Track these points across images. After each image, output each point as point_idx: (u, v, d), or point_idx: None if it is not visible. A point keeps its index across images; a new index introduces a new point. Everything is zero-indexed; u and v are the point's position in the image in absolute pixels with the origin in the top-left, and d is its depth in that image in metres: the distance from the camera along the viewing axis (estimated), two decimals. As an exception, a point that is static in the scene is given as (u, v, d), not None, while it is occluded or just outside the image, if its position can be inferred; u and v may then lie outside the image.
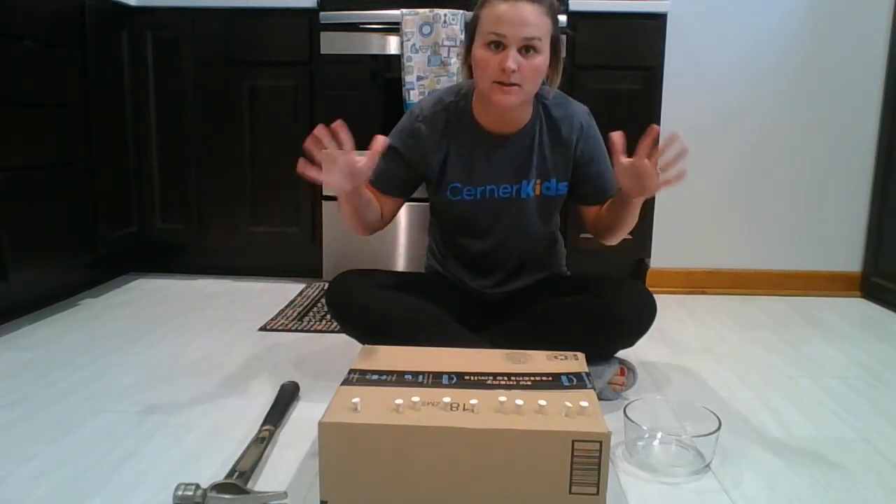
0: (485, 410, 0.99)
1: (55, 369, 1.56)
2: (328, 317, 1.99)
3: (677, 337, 1.92)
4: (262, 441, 1.18)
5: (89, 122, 2.09)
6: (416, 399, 1.00)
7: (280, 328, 1.91)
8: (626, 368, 1.47)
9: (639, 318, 1.39)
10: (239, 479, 1.03)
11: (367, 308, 1.39)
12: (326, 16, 2.19)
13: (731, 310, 2.22)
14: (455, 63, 2.11)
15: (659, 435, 1.24)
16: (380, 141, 1.24)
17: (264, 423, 1.25)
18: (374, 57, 2.21)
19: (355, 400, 0.99)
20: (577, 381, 1.10)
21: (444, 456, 0.95)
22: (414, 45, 2.12)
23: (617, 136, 1.25)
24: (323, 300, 2.14)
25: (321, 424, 0.96)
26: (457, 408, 1.00)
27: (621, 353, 1.49)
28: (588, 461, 0.94)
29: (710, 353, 1.78)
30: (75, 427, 1.28)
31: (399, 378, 1.10)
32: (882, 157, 2.37)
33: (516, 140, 1.45)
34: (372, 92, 2.23)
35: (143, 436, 1.25)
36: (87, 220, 2.10)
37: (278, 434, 1.26)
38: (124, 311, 2.05)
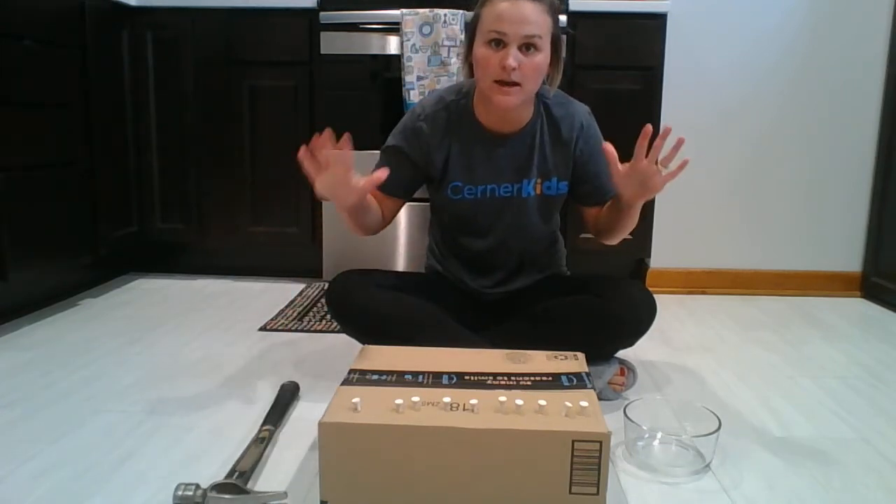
0: (485, 410, 0.99)
1: (55, 369, 1.56)
2: (328, 317, 2.00)
3: (677, 337, 1.92)
4: (262, 441, 1.18)
5: (89, 122, 2.09)
6: (416, 399, 1.00)
7: (280, 328, 1.91)
8: (626, 368, 1.47)
9: (638, 319, 1.39)
10: (239, 479, 1.03)
11: (367, 308, 1.39)
12: (326, 16, 2.19)
13: (731, 310, 2.22)
14: (455, 63, 2.11)
15: (659, 435, 1.24)
16: (382, 171, 1.24)
17: (264, 423, 1.25)
18: (374, 57, 2.21)
19: (355, 400, 0.99)
20: (577, 381, 1.10)
21: (444, 456, 0.95)
22: (414, 45, 2.12)
23: (609, 148, 1.26)
24: (323, 300, 2.14)
25: (321, 424, 0.96)
26: (457, 408, 1.00)
27: (621, 353, 1.49)
28: (588, 461, 0.94)
29: (710, 353, 1.78)
30: (75, 427, 1.28)
31: (399, 378, 1.10)
32: (882, 157, 2.37)
33: (517, 139, 1.45)
34: (372, 92, 2.23)
35: (143, 436, 1.25)
36: (87, 220, 2.10)
37: (278, 434, 1.26)
38: (124, 311, 2.05)
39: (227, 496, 0.98)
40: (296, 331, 1.90)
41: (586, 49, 2.19)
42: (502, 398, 1.00)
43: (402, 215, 2.31)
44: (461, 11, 2.09)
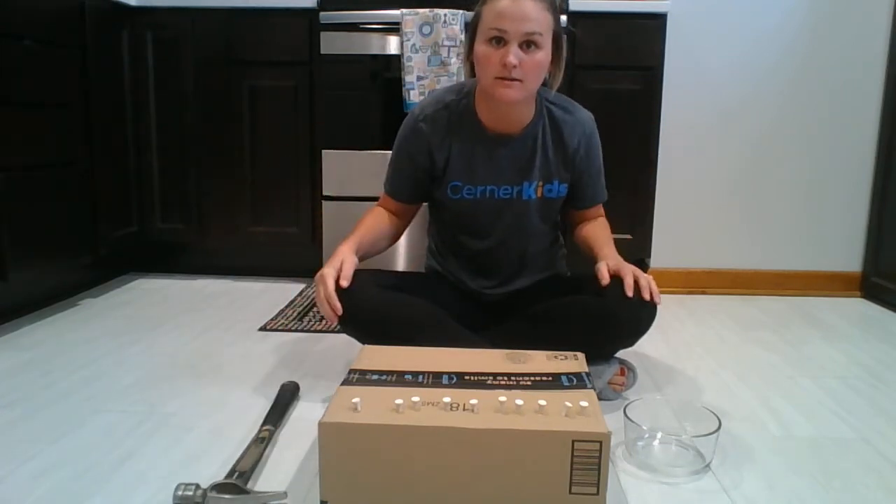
0: (485, 410, 0.99)
1: (55, 369, 1.56)
2: (328, 317, 1.99)
3: (677, 337, 1.92)
4: (262, 441, 1.18)
5: (89, 122, 2.09)
6: (416, 399, 1.00)
7: (280, 328, 1.91)
8: (626, 368, 1.47)
9: (638, 319, 1.39)
10: (239, 479, 1.03)
11: (367, 308, 1.39)
12: (326, 16, 2.19)
13: (731, 310, 2.22)
14: (455, 63, 2.11)
15: (659, 435, 1.24)
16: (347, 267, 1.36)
17: (264, 423, 1.25)
18: (374, 57, 2.21)
19: (355, 400, 0.99)
20: (577, 381, 1.10)
21: (444, 456, 0.95)
22: (414, 45, 2.12)
23: (602, 273, 1.37)
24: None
25: (321, 424, 0.96)
26: (457, 408, 1.00)
27: (621, 353, 1.49)
28: (588, 461, 0.94)
29: (710, 353, 1.78)
30: (75, 427, 1.28)
31: (399, 378, 1.10)
32: (882, 157, 2.37)
33: (519, 140, 1.46)
34: (372, 92, 2.23)
35: (143, 436, 1.25)
36: (87, 220, 2.10)
37: (278, 434, 1.26)
38: (124, 310, 2.05)
39: (227, 496, 0.98)
40: (296, 331, 1.90)
41: (586, 49, 2.19)
42: (502, 398, 1.00)
43: (402, 215, 2.31)
44: (461, 11, 2.09)
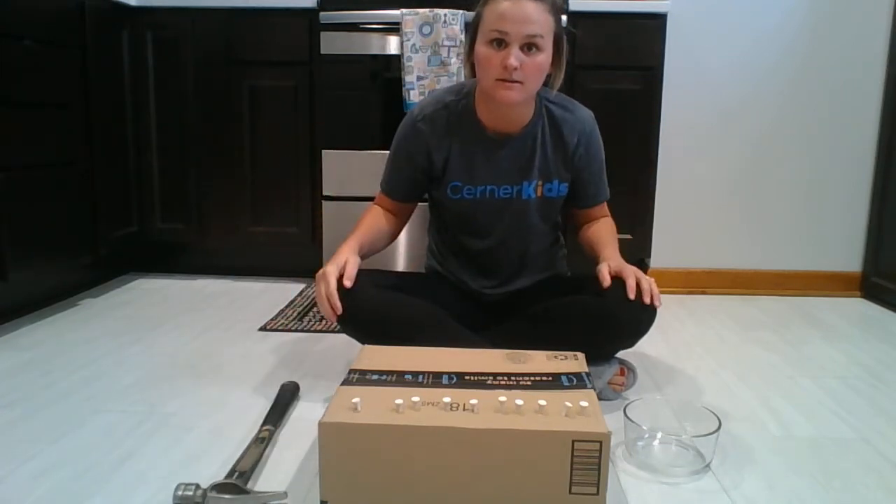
0: (485, 410, 0.99)
1: (55, 369, 1.56)
2: (328, 317, 1.99)
3: (677, 337, 1.92)
4: (262, 441, 1.18)
5: (89, 122, 2.09)
6: (416, 399, 1.00)
7: (280, 328, 1.91)
8: (626, 368, 1.47)
9: (638, 320, 1.39)
10: (239, 479, 1.03)
11: (367, 308, 1.39)
12: (326, 16, 2.19)
13: (731, 310, 2.22)
14: (455, 63, 2.11)
15: (659, 435, 1.24)
16: (350, 268, 1.36)
17: (264, 423, 1.25)
18: (374, 57, 2.21)
19: (355, 400, 0.99)
20: (577, 381, 1.10)
21: (444, 456, 0.95)
22: (414, 45, 2.12)
23: (603, 275, 1.36)
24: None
25: (321, 424, 0.96)
26: (457, 408, 1.00)
27: (621, 354, 1.49)
28: (588, 461, 0.94)
29: (710, 353, 1.78)
30: (75, 427, 1.28)
31: (399, 378, 1.10)
32: (882, 157, 2.37)
33: (518, 140, 1.46)
34: (372, 92, 2.23)
35: (143, 436, 1.25)
36: (87, 220, 2.10)
37: (278, 434, 1.26)
38: (124, 311, 2.05)
39: (227, 496, 0.98)
40: (296, 331, 1.90)
41: (586, 49, 2.19)
42: (502, 398, 1.00)
43: (402, 215, 2.31)
44: (461, 11, 2.09)
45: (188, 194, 2.37)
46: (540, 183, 1.49)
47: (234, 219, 2.38)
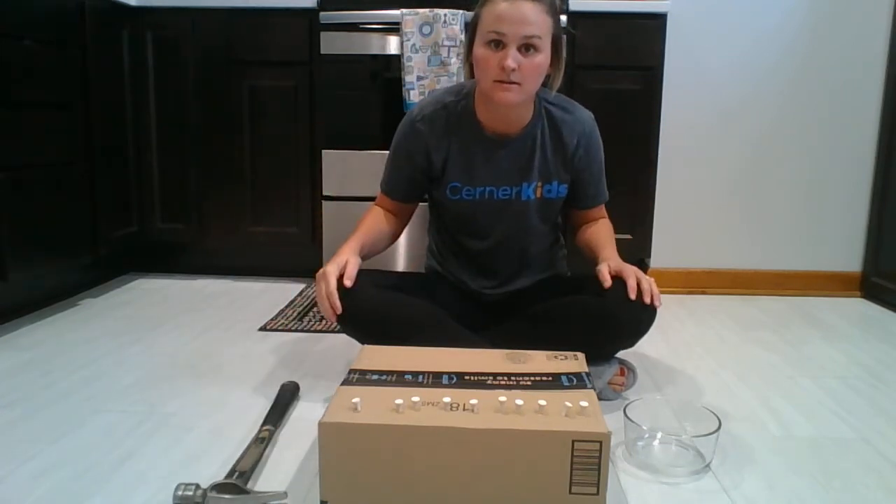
0: (485, 410, 0.99)
1: (55, 369, 1.56)
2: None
3: (677, 337, 1.92)
4: (262, 441, 1.18)
5: (89, 122, 2.09)
6: (416, 399, 1.00)
7: (280, 328, 1.91)
8: (626, 368, 1.47)
9: (638, 320, 1.39)
10: (239, 479, 1.03)
11: (367, 308, 1.39)
12: (326, 16, 2.19)
13: (731, 310, 2.23)
14: (455, 63, 2.11)
15: (659, 435, 1.24)
16: (351, 268, 1.37)
17: (264, 423, 1.25)
18: (374, 57, 2.21)
19: (355, 400, 0.99)
20: (577, 381, 1.10)
21: (444, 456, 0.95)
22: (414, 45, 2.12)
23: (603, 275, 1.36)
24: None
25: (321, 424, 0.96)
26: (457, 408, 1.00)
27: (621, 353, 1.49)
28: (588, 461, 0.94)
29: (710, 353, 1.79)
30: (75, 427, 1.28)
31: (399, 378, 1.10)
32: (882, 157, 2.37)
33: (518, 141, 1.45)
34: (372, 92, 2.23)
35: (143, 436, 1.25)
36: (87, 220, 2.10)
37: (278, 434, 1.26)
38: (124, 310, 2.05)
39: (227, 496, 0.98)
40: (296, 331, 1.90)
41: (586, 49, 2.19)
42: (502, 398, 1.00)
43: (402, 215, 2.31)
44: (461, 11, 2.09)
45: (188, 194, 2.37)
46: (539, 184, 1.49)
47: (234, 219, 2.38)
